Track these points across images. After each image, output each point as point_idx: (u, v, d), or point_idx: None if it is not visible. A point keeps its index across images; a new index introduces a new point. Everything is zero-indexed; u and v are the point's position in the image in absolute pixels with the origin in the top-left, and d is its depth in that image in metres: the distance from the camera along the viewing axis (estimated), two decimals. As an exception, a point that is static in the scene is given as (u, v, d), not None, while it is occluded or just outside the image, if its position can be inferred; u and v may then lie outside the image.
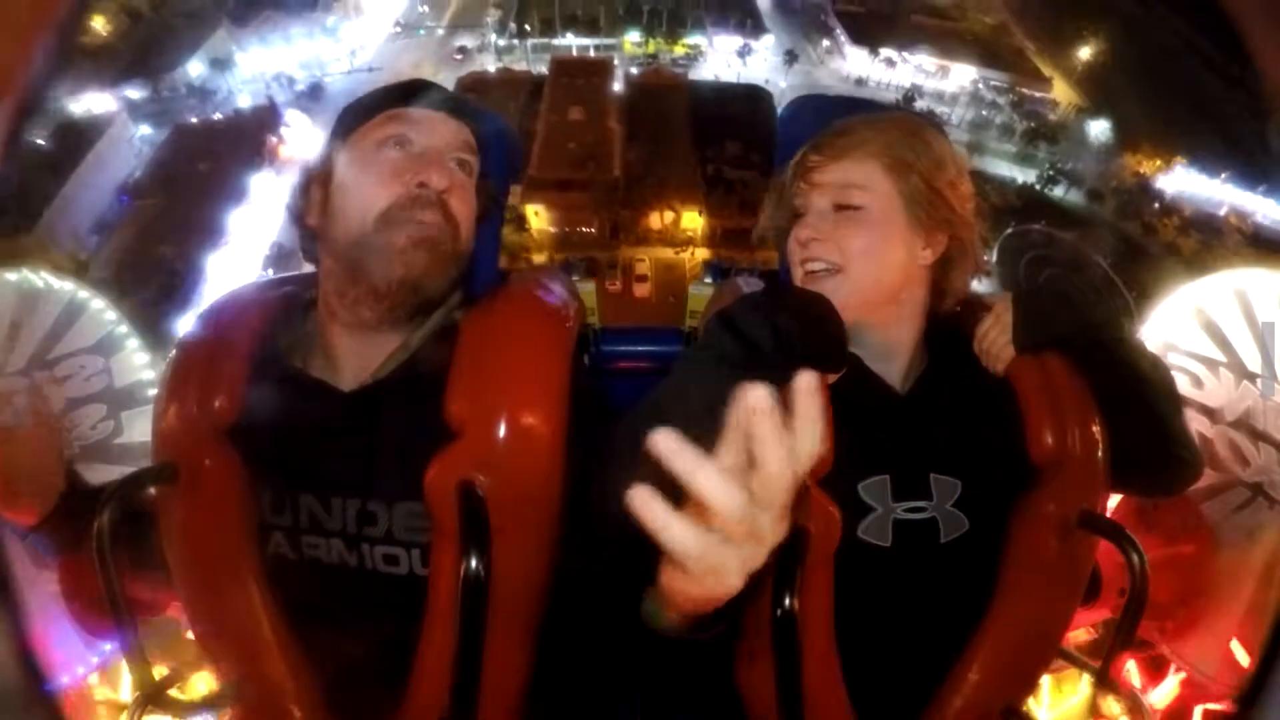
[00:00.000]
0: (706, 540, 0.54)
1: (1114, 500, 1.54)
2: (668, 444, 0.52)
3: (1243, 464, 2.04)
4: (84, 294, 2.33)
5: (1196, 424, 2.09)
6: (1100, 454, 1.04)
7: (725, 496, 0.52)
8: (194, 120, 19.46)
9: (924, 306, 1.09)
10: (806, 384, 0.53)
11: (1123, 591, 1.04)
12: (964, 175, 1.07)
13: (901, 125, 1.05)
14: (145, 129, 19.41)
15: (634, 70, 22.82)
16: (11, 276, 2.31)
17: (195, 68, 21.17)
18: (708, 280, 1.48)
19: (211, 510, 0.98)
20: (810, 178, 1.05)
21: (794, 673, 0.89)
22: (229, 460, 0.98)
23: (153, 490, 1.02)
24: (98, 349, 2.31)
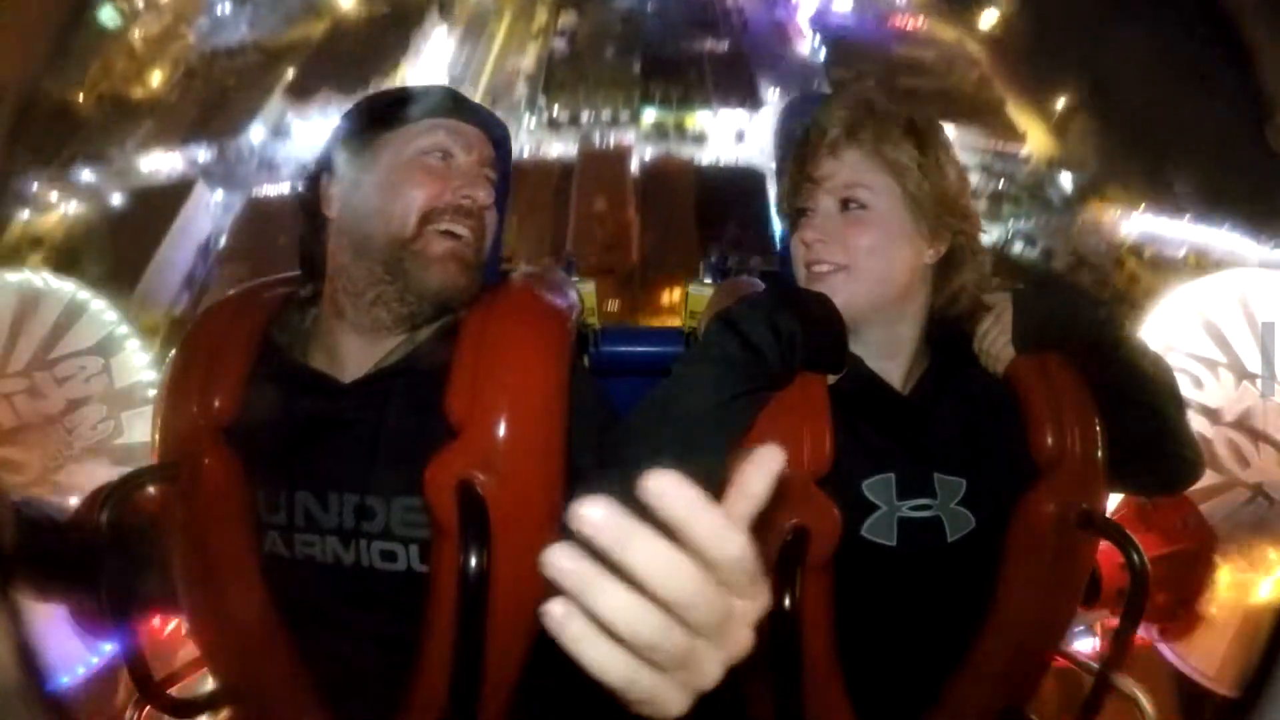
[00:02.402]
0: (632, 665, 0.43)
1: (1114, 500, 1.54)
2: (590, 515, 0.40)
3: (1243, 464, 2.04)
4: (84, 294, 2.33)
5: (1196, 424, 2.09)
6: (1100, 454, 1.04)
7: (634, 620, 0.42)
8: (267, 195, 20.43)
9: (926, 306, 1.09)
10: (655, 486, 0.41)
11: (1122, 591, 1.04)
12: (964, 177, 1.07)
13: (903, 125, 1.04)
14: (219, 194, 20.39)
15: (649, 153, 25.03)
16: (12, 277, 2.31)
17: (257, 133, 21.84)
18: (708, 280, 1.48)
19: (211, 510, 0.98)
20: (813, 176, 1.05)
21: (793, 673, 0.89)
22: (229, 460, 0.98)
23: (152, 490, 1.02)
24: (98, 349, 2.31)
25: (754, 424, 0.94)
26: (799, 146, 1.08)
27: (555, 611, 0.41)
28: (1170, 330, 2.16)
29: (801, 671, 0.89)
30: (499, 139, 1.10)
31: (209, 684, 1.06)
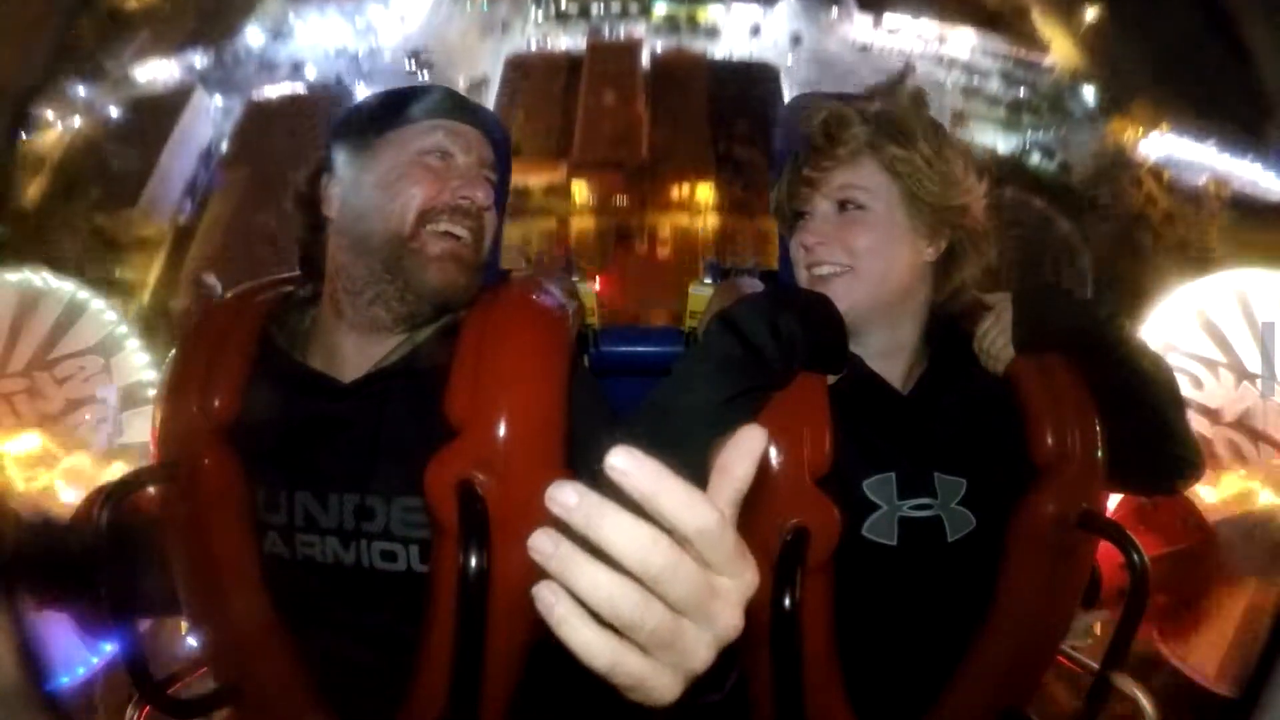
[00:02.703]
0: (617, 647, 0.42)
1: (1114, 500, 1.54)
2: (561, 497, 0.42)
3: (1243, 464, 2.04)
4: (84, 294, 2.33)
5: (1196, 424, 2.09)
6: (1100, 454, 1.04)
7: (613, 596, 0.42)
8: (268, 96, 20.20)
9: (927, 304, 1.09)
10: (619, 462, 0.41)
11: (1123, 591, 1.04)
12: (967, 170, 1.06)
13: (897, 124, 1.04)
14: (218, 99, 20.11)
15: (659, 45, 24.14)
16: (12, 277, 2.32)
17: (255, 36, 21.59)
18: (708, 281, 1.48)
19: (211, 510, 0.98)
20: (809, 180, 1.06)
21: (794, 673, 0.89)
22: (228, 460, 0.98)
23: (152, 490, 1.02)
24: (98, 349, 2.31)
25: None
26: (795, 149, 1.08)
27: (543, 594, 0.42)
28: (1170, 330, 2.16)
29: (802, 671, 0.90)
30: (499, 141, 1.11)
31: (209, 684, 1.06)
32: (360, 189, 1.02)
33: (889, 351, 1.07)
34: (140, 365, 2.34)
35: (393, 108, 1.05)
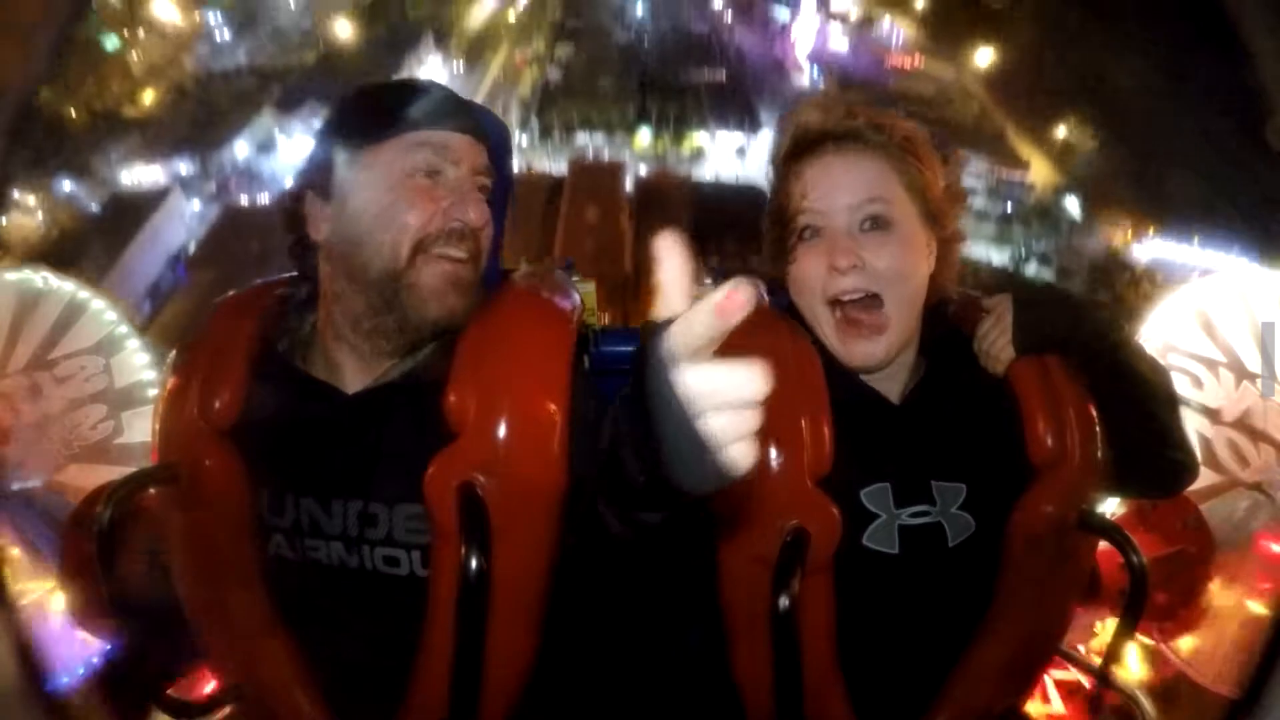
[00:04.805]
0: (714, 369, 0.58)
1: (1114, 501, 1.54)
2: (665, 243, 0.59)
3: (1242, 464, 2.04)
4: (84, 294, 2.33)
5: (1196, 424, 2.09)
6: (1099, 455, 1.04)
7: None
8: (244, 203, 20.06)
9: (921, 315, 1.07)
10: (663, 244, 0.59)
11: (1123, 591, 1.04)
12: (960, 180, 1.06)
13: (903, 131, 1.03)
14: (196, 204, 20.01)
15: (643, 169, 24.46)
16: (11, 277, 2.32)
17: (241, 149, 21.66)
18: (708, 281, 1.47)
19: (212, 511, 0.98)
20: (823, 194, 1.00)
21: (794, 673, 0.88)
22: (230, 461, 0.98)
23: (152, 491, 1.02)
24: (98, 349, 2.31)
25: None
26: (797, 157, 1.04)
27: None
28: (1170, 330, 2.16)
29: (802, 673, 0.89)
30: (492, 135, 1.07)
31: (209, 684, 1.06)
32: (348, 215, 0.97)
33: (891, 374, 1.06)
34: (140, 365, 2.34)
35: (371, 118, 1.00)
